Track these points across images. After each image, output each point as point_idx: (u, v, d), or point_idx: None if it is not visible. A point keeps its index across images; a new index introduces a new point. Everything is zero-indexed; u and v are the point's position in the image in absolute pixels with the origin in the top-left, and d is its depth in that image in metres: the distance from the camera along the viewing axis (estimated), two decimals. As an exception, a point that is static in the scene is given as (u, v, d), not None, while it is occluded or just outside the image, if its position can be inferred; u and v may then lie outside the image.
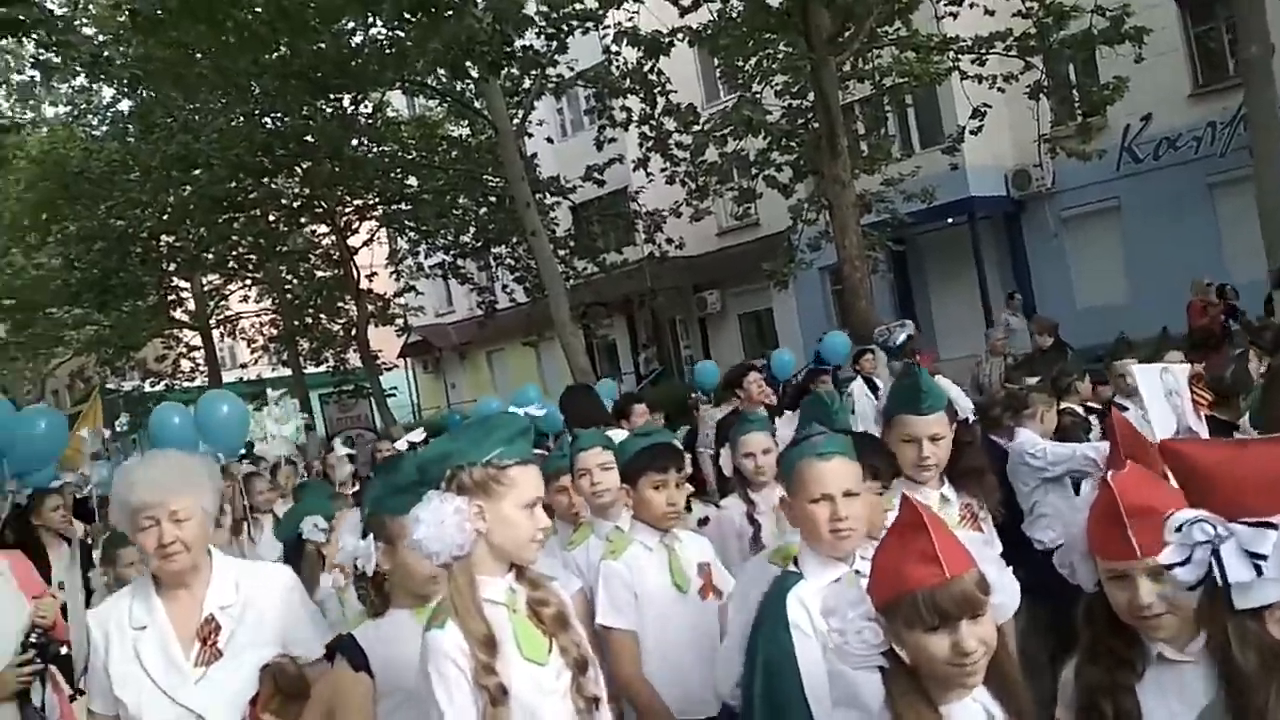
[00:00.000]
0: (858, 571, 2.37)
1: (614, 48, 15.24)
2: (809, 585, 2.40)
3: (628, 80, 15.74)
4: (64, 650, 3.34)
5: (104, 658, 2.55)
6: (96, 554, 5.59)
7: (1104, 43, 13.42)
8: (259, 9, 10.85)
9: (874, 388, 8.97)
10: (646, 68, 15.13)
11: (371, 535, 2.56)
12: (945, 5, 14.25)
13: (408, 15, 10.86)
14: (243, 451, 7.56)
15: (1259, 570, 1.25)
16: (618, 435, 4.20)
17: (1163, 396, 2.96)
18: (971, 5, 13.83)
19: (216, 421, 6.70)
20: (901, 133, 19.74)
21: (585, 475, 3.53)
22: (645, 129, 16.29)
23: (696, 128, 15.45)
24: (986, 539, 3.11)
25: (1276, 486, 1.29)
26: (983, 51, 14.22)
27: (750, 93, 15.54)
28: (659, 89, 15.52)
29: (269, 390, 7.07)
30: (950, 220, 18.94)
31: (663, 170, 16.92)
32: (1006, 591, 2.28)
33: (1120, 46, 13.29)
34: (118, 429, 15.04)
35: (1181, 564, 1.33)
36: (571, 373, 15.13)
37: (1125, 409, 5.78)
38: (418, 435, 6.90)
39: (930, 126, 19.10)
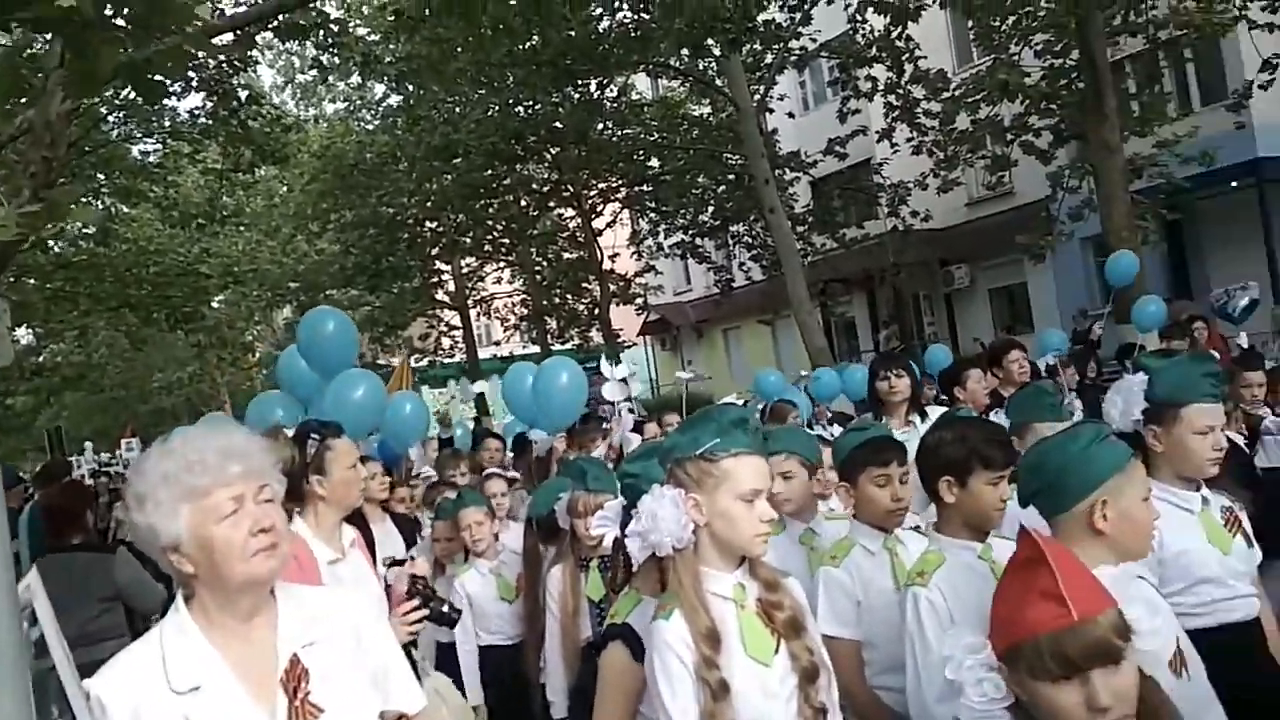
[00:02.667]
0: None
1: (859, 16, 14.82)
2: None
3: (874, 48, 15.25)
4: (446, 608, 3.07)
5: None
6: (427, 532, 5.35)
7: None
8: (513, 2, 11.30)
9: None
10: (894, 34, 14.59)
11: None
12: (1233, -54, 12.87)
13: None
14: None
15: None
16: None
17: None
18: (1265, -56, 12.42)
19: (555, 390, 5.91)
20: (1179, 89, 18.06)
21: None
22: (891, 98, 15.73)
23: (946, 94, 14.73)
24: (1251, 551, 2.77)
25: None
26: (1277, -4, 12.75)
27: (1007, 54, 14.65)
28: (907, 55, 14.94)
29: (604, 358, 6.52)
30: (1234, 185, 17.17)
31: (909, 140, 16.31)
32: (1160, 635, 1.99)
33: None
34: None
35: None
36: (807, 351, 14.91)
37: None
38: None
39: (1212, 81, 17.38)
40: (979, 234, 21.52)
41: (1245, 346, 9.02)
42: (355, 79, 19.08)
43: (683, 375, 8.69)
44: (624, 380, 5.88)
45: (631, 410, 6.33)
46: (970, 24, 16.76)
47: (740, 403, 6.43)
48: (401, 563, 3.22)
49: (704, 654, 2.09)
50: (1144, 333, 8.64)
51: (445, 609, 3.04)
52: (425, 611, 2.96)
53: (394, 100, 19.89)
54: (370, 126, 22.61)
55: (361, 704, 1.92)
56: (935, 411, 5.18)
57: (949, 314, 23.75)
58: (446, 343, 26.92)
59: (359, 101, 23.07)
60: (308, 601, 1.95)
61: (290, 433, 3.26)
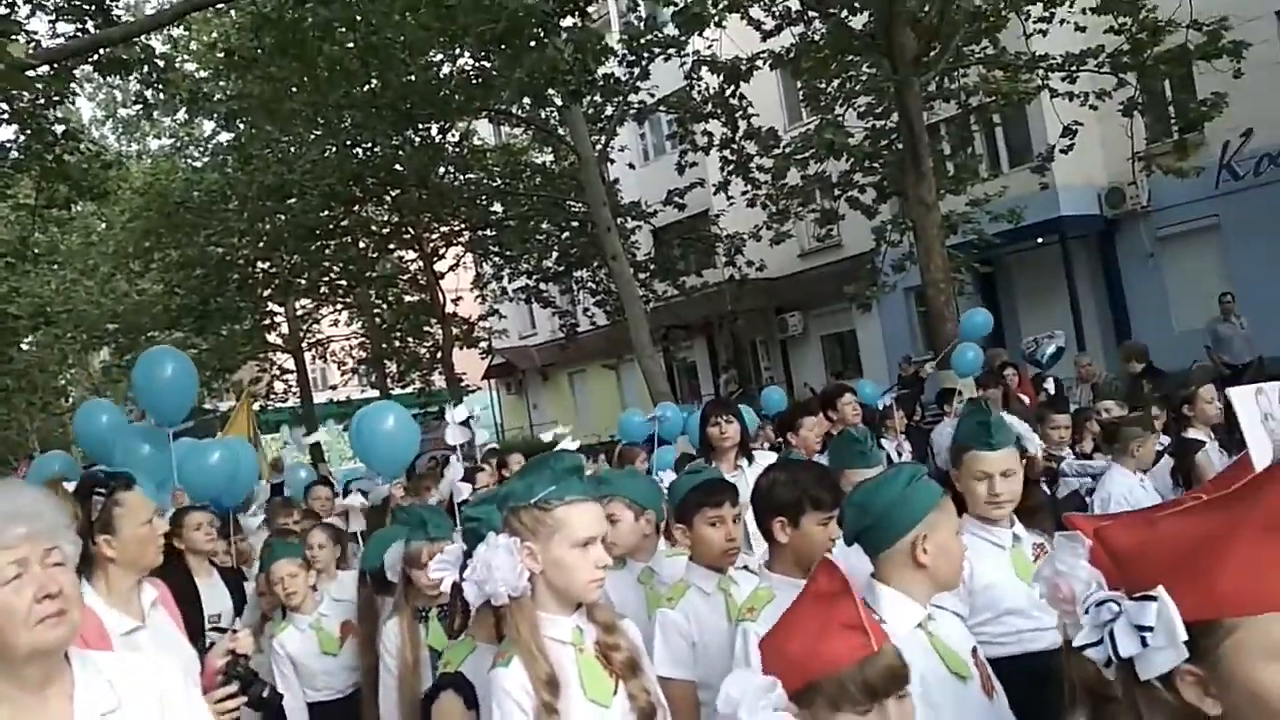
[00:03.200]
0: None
1: (695, 74, 15.36)
2: (902, 627, 2.29)
3: (709, 105, 15.79)
4: (266, 693, 2.78)
5: None
6: (249, 586, 5.11)
7: (1201, 58, 13.00)
8: (350, 45, 11.16)
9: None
10: (728, 92, 15.16)
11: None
12: (1034, 23, 13.98)
13: (492, 47, 11.02)
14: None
15: (1144, 642, 1.26)
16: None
17: (1259, 421, 2.81)
18: (1062, 22, 13.54)
19: (381, 437, 5.54)
20: (989, 152, 19.40)
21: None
22: (726, 153, 16.30)
23: (777, 151, 15.38)
24: None
25: (1179, 563, 1.33)
26: (1074, 69, 13.92)
27: (832, 115, 15.45)
28: (740, 113, 15.53)
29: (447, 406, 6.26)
30: (1040, 240, 18.51)
31: (744, 194, 16.89)
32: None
33: (1218, 61, 12.87)
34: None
35: (1095, 645, 1.37)
36: (650, 395, 15.14)
37: (1202, 443, 5.48)
38: (569, 444, 6.37)
39: (1019, 145, 18.74)
40: (811, 283, 22.41)
41: (1052, 391, 9.69)
42: (182, 115, 18.38)
43: (550, 435, 8.63)
44: (465, 423, 5.77)
45: (463, 458, 6.25)
46: (799, 85, 17.62)
47: (575, 446, 6.45)
48: (222, 632, 2.98)
49: (543, 700, 2.11)
50: (963, 378, 9.15)
51: (266, 693, 2.78)
52: (243, 698, 2.72)
53: (224, 138, 19.24)
54: (198, 164, 21.77)
55: None
56: (763, 455, 5.39)
57: (784, 359, 24.56)
58: (280, 387, 25.97)
59: (186, 138, 22.22)
60: (105, 667, 1.84)
61: (71, 487, 2.95)
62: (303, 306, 25.26)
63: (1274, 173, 16.78)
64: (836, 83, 15.44)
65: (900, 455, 7.46)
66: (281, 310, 24.96)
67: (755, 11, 14.38)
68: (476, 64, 14.39)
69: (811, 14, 14.20)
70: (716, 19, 13.03)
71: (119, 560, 2.86)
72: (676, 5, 12.44)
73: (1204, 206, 17.48)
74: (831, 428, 6.82)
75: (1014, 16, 13.94)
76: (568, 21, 11.53)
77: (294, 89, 13.17)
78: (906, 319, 21.26)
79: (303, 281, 22.55)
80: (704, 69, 14.66)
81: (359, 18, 10.32)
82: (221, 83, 15.18)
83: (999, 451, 2.97)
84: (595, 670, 2.23)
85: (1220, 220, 17.56)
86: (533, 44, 10.50)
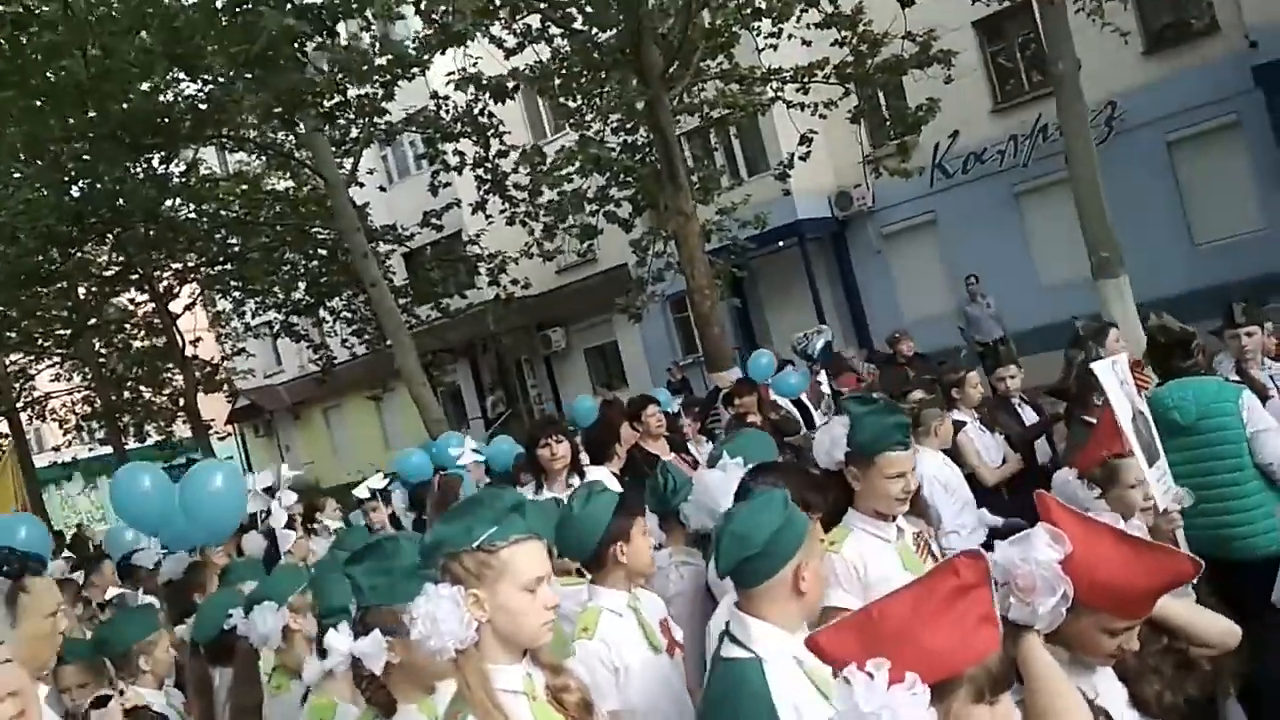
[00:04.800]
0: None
1: (442, 92, 15.05)
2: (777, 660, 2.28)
3: (459, 124, 15.52)
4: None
5: None
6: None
7: (916, 66, 14.19)
8: (77, 70, 10.03)
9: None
10: (477, 110, 14.98)
11: (377, 630, 2.37)
12: (765, 39, 14.76)
13: (244, 69, 10.26)
14: None
15: None
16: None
17: (1119, 386, 3.17)
18: (790, 37, 14.38)
19: (205, 496, 5.22)
20: (729, 163, 20.37)
21: None
22: (480, 171, 16.07)
23: (543, 167, 15.35)
24: None
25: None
26: (805, 81, 14.81)
27: (589, 131, 15.67)
28: (492, 131, 15.38)
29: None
30: (781, 244, 19.63)
31: (501, 212, 16.74)
32: None
33: (930, 69, 14.10)
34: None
35: None
36: (424, 424, 14.70)
37: (964, 423, 5.97)
38: (379, 481, 6.29)
39: (755, 155, 19.84)
40: (570, 298, 22.64)
41: (826, 390, 10.13)
42: None
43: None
44: (269, 490, 5.40)
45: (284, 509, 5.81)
46: (543, 103, 17.70)
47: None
48: (105, 700, 2.62)
49: None
50: (760, 381, 9.42)
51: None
52: None
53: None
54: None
55: None
56: (594, 471, 5.35)
57: (550, 375, 24.65)
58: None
59: None
60: None
61: None
62: (14, 362, 22.63)
63: (979, 169, 18.68)
64: (589, 99, 15.65)
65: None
66: (-12, 368, 22.24)
67: (496, 29, 14.22)
68: (209, 88, 13.32)
69: (553, 31, 14.32)
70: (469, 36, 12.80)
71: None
72: (434, 21, 12.13)
73: (921, 204, 19.19)
74: (640, 439, 6.95)
75: (745, 33, 14.67)
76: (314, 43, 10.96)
77: (9, 118, 11.66)
78: (665, 327, 21.90)
79: (14, 335, 20.15)
80: (455, 87, 14.36)
81: (91, 42, 9.26)
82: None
83: (910, 450, 3.06)
84: (551, 716, 2.11)
85: (937, 215, 19.31)
86: (285, 64, 9.85)
